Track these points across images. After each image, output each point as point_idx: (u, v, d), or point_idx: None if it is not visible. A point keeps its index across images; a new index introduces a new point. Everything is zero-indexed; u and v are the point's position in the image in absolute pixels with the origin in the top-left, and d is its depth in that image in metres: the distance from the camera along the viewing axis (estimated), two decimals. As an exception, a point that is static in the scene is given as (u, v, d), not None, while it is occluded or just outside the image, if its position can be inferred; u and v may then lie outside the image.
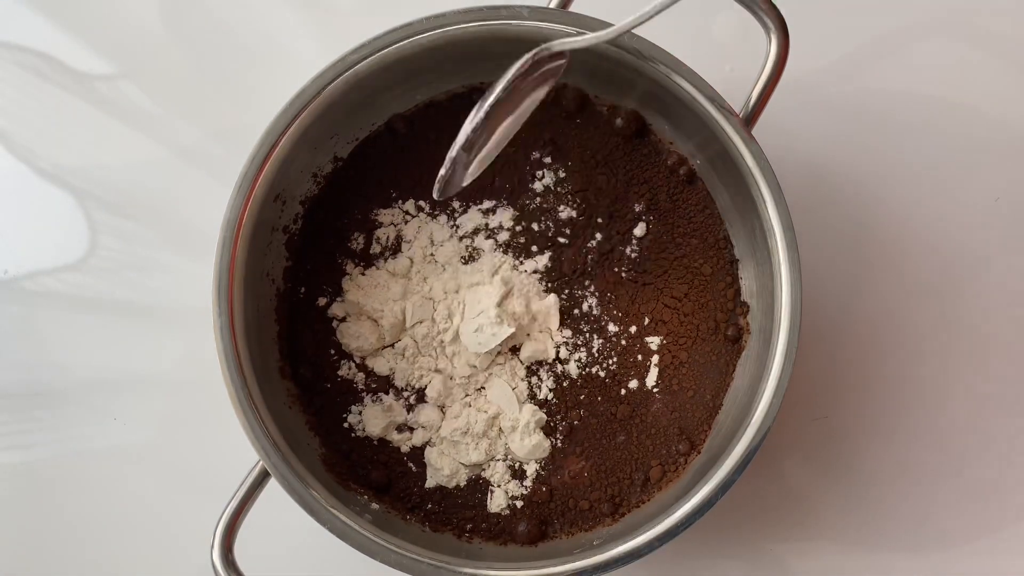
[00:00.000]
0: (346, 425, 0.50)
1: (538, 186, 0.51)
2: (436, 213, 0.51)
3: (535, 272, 0.51)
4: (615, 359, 0.50)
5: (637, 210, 0.51)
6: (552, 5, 0.47)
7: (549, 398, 0.50)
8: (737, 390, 0.49)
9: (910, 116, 0.57)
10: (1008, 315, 0.56)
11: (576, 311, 0.51)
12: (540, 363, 0.50)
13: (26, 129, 0.58)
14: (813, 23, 0.57)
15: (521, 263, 0.51)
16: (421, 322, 0.50)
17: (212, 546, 0.44)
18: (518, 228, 0.51)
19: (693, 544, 0.53)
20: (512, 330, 0.49)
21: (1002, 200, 0.56)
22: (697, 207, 0.51)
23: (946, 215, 0.56)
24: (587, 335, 0.51)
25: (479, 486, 0.50)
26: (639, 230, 0.51)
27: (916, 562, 0.54)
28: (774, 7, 0.45)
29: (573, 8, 0.47)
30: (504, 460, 0.50)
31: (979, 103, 0.57)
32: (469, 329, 0.49)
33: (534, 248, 0.51)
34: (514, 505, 0.50)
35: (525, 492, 0.50)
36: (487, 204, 0.51)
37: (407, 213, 0.52)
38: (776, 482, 0.54)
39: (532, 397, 0.50)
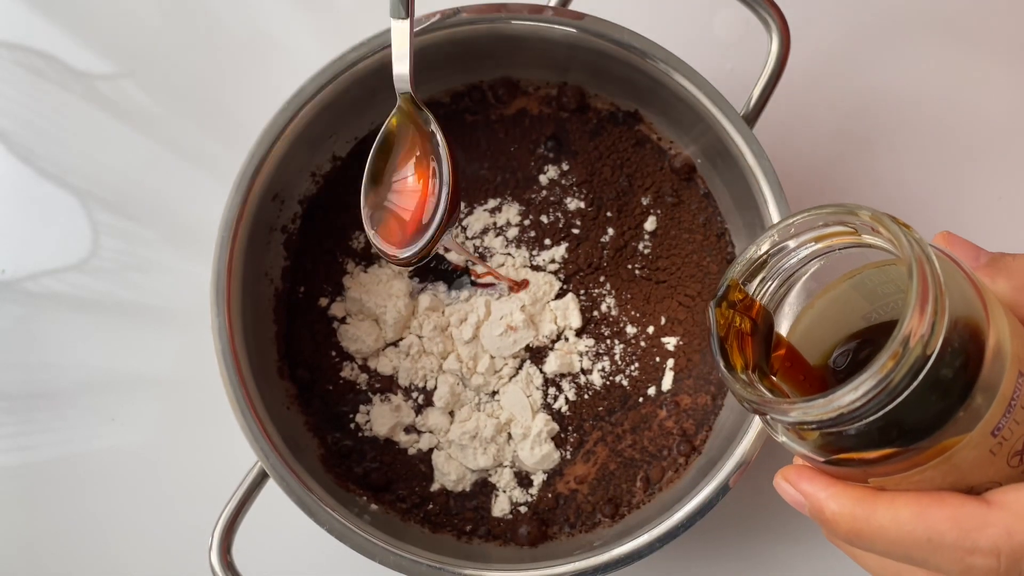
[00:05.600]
0: (352, 425, 0.50)
1: (543, 179, 0.51)
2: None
3: (552, 262, 0.51)
4: (637, 364, 0.50)
5: (645, 203, 0.51)
6: (552, 3, 0.47)
7: (563, 409, 0.50)
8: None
9: (912, 115, 0.57)
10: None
11: (595, 312, 0.50)
12: (563, 375, 0.50)
13: (26, 129, 0.58)
14: (815, 21, 0.57)
15: (536, 254, 0.51)
16: (434, 311, 0.50)
17: (210, 547, 0.43)
18: (526, 222, 0.51)
19: (694, 545, 0.53)
20: (534, 333, 0.49)
21: (1003, 200, 0.56)
22: (699, 205, 0.51)
23: (947, 214, 0.56)
24: (608, 341, 0.50)
25: (483, 490, 0.50)
26: (650, 224, 0.51)
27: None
28: (775, 5, 0.45)
29: (574, 7, 0.47)
30: (511, 467, 0.50)
31: (979, 103, 0.57)
32: (493, 332, 0.49)
33: (547, 241, 0.51)
34: (517, 510, 0.49)
35: (531, 499, 0.49)
36: (492, 203, 0.51)
37: (408, 213, 0.51)
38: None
39: (546, 407, 0.50)
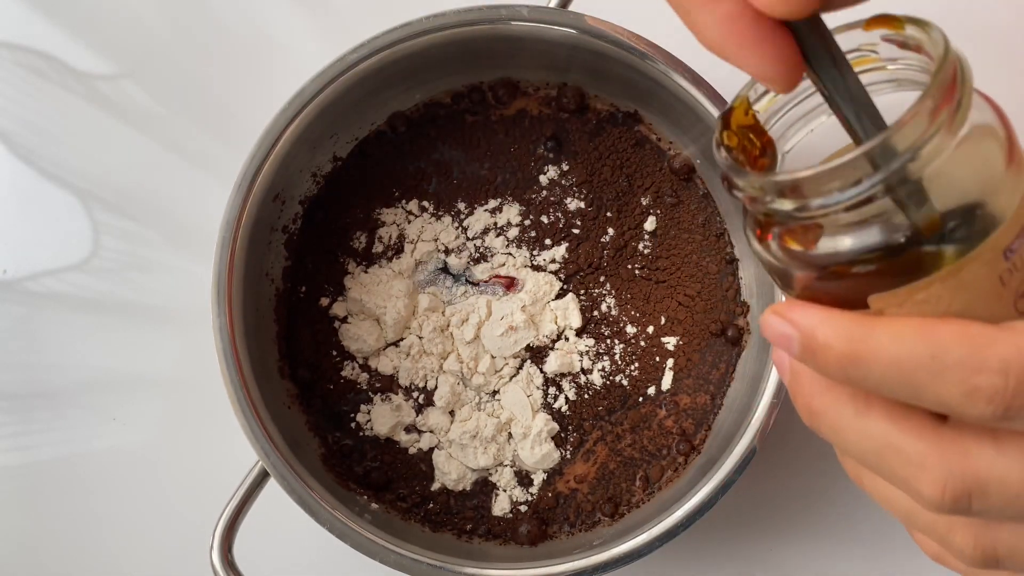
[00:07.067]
0: (353, 424, 0.50)
1: (543, 180, 0.51)
2: (440, 214, 0.51)
3: (553, 262, 0.51)
4: (637, 364, 0.50)
5: (644, 203, 0.51)
6: (552, 5, 0.47)
7: (563, 409, 0.50)
8: (737, 390, 0.49)
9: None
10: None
11: (595, 312, 0.51)
12: (564, 374, 0.50)
13: (26, 129, 0.58)
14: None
15: (537, 254, 0.51)
16: (434, 311, 0.50)
17: (211, 546, 0.44)
18: (527, 222, 0.51)
19: (693, 544, 0.53)
20: (535, 333, 0.49)
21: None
22: (699, 205, 0.51)
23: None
24: (608, 341, 0.50)
25: (483, 489, 0.50)
26: (649, 224, 0.51)
27: (918, 561, 0.54)
28: (774, 6, 0.45)
29: (573, 8, 0.47)
30: (511, 466, 0.50)
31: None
32: (494, 332, 0.49)
33: (548, 241, 0.51)
34: (518, 510, 0.49)
35: (531, 499, 0.49)
36: (492, 203, 0.51)
37: (410, 213, 0.52)
38: (775, 482, 0.54)
39: (547, 406, 0.50)
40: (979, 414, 0.23)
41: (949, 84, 0.23)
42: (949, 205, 0.24)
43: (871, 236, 0.24)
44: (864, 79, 0.26)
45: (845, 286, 0.25)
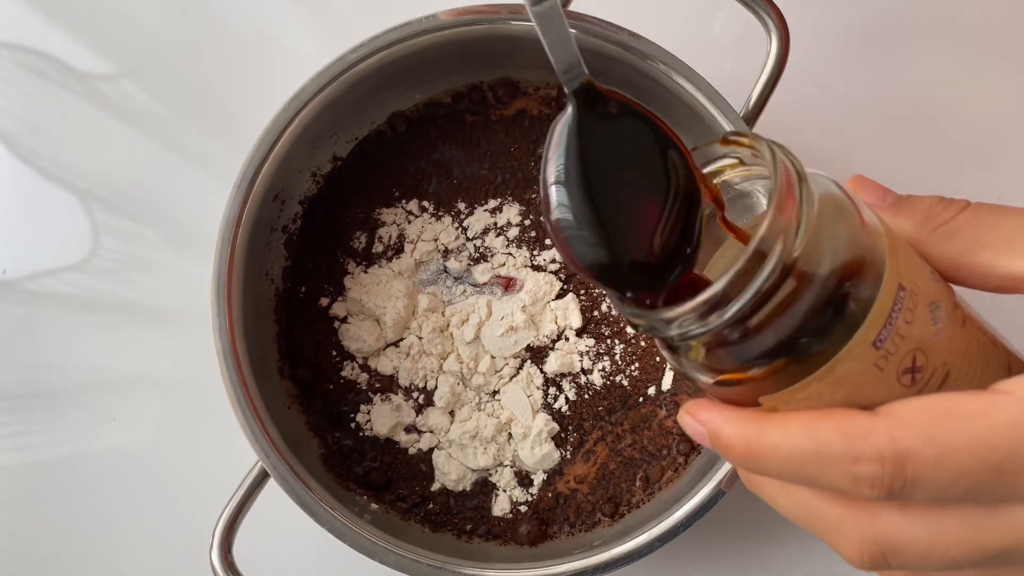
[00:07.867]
0: (353, 425, 0.50)
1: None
2: (440, 214, 0.51)
3: (553, 262, 0.51)
4: (637, 364, 0.50)
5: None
6: (552, 4, 0.47)
7: (564, 409, 0.50)
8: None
9: (911, 115, 0.57)
10: (1012, 317, 0.56)
11: (596, 312, 0.51)
12: (564, 374, 0.50)
13: (27, 129, 0.58)
14: (814, 21, 0.57)
15: (537, 254, 0.51)
16: (434, 311, 0.50)
17: (211, 546, 0.43)
18: (527, 222, 0.51)
19: (693, 544, 0.53)
20: (535, 333, 0.49)
21: (1003, 200, 0.56)
22: (697, 207, 0.51)
23: (948, 214, 0.56)
24: (609, 341, 0.50)
25: (483, 489, 0.50)
26: None
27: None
28: (775, 5, 0.45)
29: (573, 8, 0.47)
30: (511, 466, 0.50)
31: (980, 104, 0.57)
32: (494, 333, 0.49)
33: (548, 241, 0.51)
34: (518, 510, 0.49)
35: (531, 499, 0.49)
36: (492, 203, 0.51)
37: (410, 213, 0.51)
38: (777, 482, 0.54)
39: (547, 406, 0.50)
40: (867, 496, 0.25)
41: (786, 196, 0.25)
42: (814, 306, 0.25)
43: (749, 350, 0.26)
44: (739, 177, 0.29)
45: (738, 390, 0.27)
